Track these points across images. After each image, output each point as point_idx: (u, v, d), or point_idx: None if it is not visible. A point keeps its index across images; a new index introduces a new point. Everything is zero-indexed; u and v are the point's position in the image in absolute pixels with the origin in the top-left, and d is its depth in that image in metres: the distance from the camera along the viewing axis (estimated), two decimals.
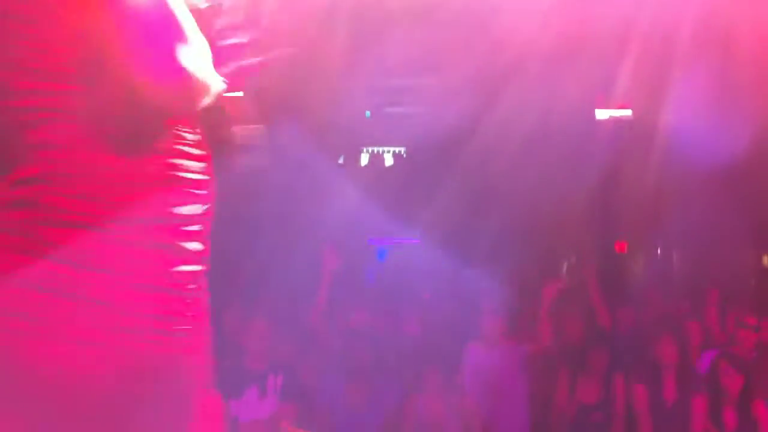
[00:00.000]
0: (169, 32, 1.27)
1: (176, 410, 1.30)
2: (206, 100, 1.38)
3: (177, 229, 1.36)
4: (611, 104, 9.67)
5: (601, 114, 10.05)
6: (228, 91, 1.46)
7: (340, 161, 9.82)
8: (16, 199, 1.25)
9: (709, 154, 8.01)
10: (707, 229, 9.24)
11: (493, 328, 5.94)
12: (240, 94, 1.55)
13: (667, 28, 7.33)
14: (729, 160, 8.40)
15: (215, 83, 1.40)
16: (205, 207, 1.43)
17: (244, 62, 1.57)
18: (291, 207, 7.13)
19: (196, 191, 1.42)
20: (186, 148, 1.43)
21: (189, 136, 1.43)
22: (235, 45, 1.52)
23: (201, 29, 1.37)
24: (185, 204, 1.39)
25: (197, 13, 1.38)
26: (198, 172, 1.42)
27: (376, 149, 10.27)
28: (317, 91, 6.60)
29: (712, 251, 9.69)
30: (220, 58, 1.44)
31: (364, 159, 10.35)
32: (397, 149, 10.25)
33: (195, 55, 1.33)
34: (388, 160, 10.24)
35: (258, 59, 1.55)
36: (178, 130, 1.42)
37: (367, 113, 9.05)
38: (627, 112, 9.99)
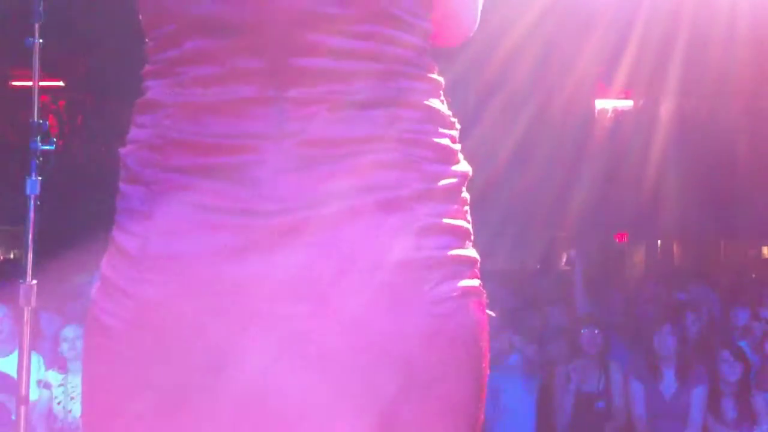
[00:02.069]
0: None
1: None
2: None
3: None
4: (612, 94, 9.65)
5: (602, 104, 10.04)
6: None
7: None
8: None
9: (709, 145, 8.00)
10: (707, 220, 9.24)
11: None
12: None
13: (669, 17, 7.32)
14: (729, 150, 8.40)
15: None
16: None
17: None
18: None
19: None
20: None
21: None
22: None
23: None
24: None
25: None
26: None
27: None
28: None
29: (712, 242, 9.70)
30: None
31: None
32: None
33: None
34: None
35: None
36: None
37: None
38: (628, 103, 9.99)
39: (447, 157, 1.26)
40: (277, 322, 1.17)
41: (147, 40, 1.30)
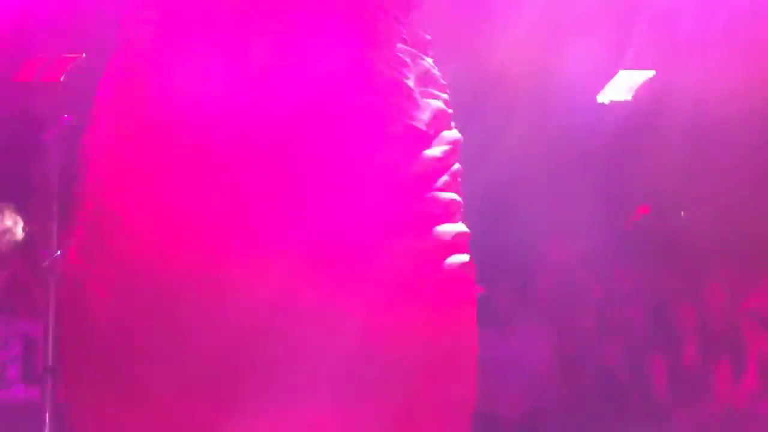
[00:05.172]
0: None
1: None
2: None
3: None
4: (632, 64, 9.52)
5: (623, 76, 9.93)
6: None
7: None
8: None
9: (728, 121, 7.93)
10: (727, 199, 9.17)
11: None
12: None
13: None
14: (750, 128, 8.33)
15: None
16: None
17: None
18: None
19: None
20: None
21: None
22: None
23: None
24: None
25: None
26: None
27: None
28: None
29: (731, 220, 9.63)
30: None
31: None
32: None
33: None
34: None
35: None
36: None
37: None
38: (649, 73, 9.86)
39: None
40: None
41: None
